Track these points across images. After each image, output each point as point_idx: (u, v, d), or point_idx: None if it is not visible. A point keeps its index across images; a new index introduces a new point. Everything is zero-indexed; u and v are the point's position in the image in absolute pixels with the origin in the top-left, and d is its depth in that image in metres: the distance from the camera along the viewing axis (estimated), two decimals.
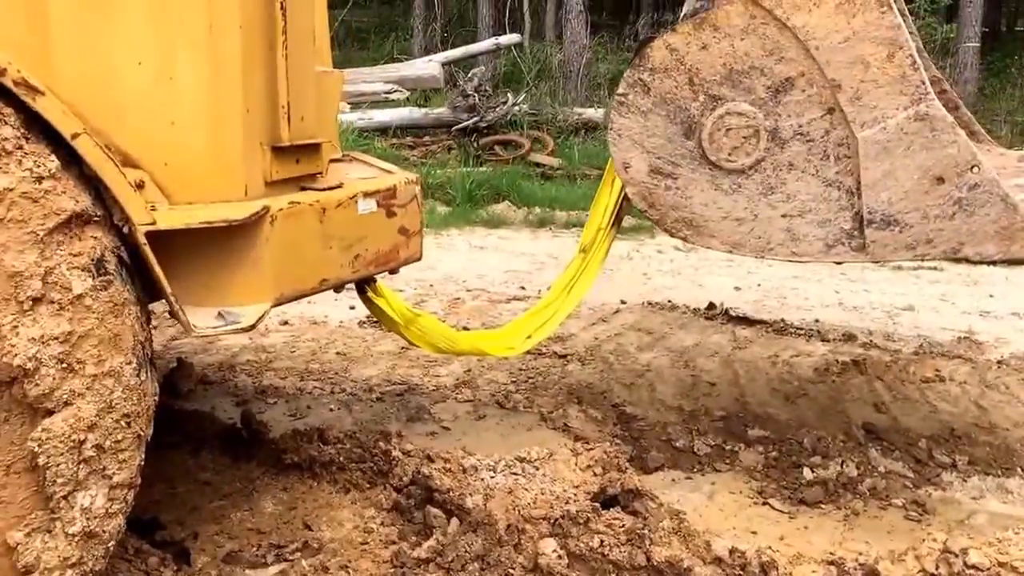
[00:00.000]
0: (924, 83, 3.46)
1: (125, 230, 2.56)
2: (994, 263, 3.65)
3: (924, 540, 3.12)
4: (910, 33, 3.69)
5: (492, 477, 3.71)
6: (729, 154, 3.67)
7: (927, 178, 3.51)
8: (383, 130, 14.26)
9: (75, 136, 2.43)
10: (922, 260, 3.74)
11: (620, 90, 3.73)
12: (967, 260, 3.62)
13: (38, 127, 2.39)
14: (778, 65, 3.56)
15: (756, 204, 3.71)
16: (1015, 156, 4.46)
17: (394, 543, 3.46)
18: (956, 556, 2.95)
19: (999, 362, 5.74)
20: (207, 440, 4.21)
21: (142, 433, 2.57)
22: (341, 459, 3.92)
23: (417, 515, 3.59)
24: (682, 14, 3.73)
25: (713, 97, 3.65)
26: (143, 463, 2.61)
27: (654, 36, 3.77)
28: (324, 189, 3.18)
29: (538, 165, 13.38)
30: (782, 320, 6.66)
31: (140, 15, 2.70)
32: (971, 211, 3.50)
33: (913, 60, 3.46)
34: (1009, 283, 7.71)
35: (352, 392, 5.17)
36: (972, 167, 3.47)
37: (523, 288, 7.72)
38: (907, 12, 4.24)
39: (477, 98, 14.26)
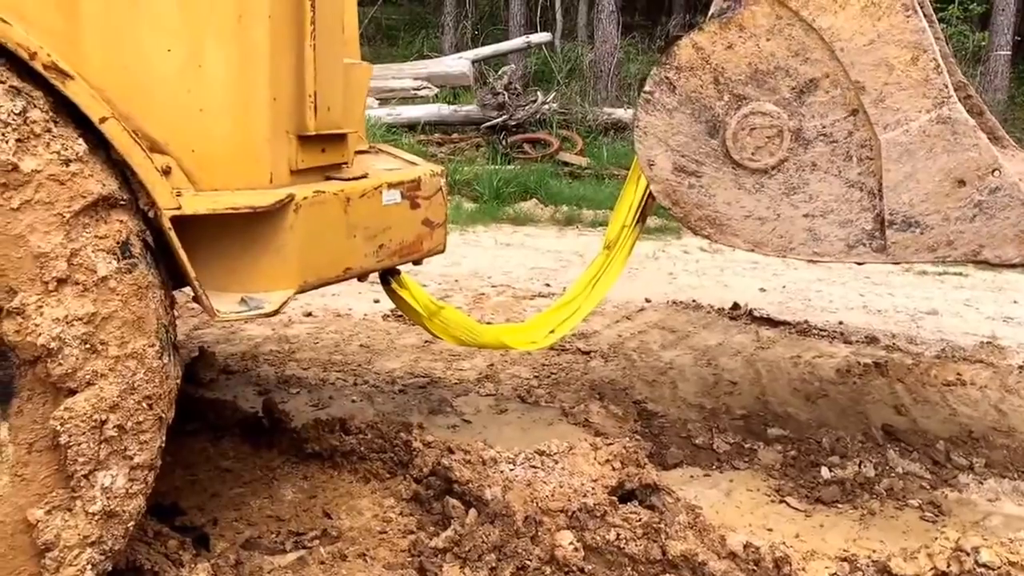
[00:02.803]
0: (947, 87, 3.47)
1: (151, 214, 2.59)
2: (1014, 266, 3.64)
3: (937, 539, 3.13)
4: (936, 38, 3.69)
5: (511, 469, 3.73)
6: (753, 153, 3.69)
7: (948, 181, 3.51)
8: (412, 126, 14.32)
9: (103, 120, 2.46)
10: (942, 262, 3.74)
11: (646, 88, 3.75)
12: (987, 263, 3.62)
13: (67, 111, 2.43)
14: (803, 66, 3.57)
15: (779, 204, 3.72)
16: None
17: (412, 533, 3.49)
18: (967, 554, 2.96)
19: (1021, 367, 5.71)
20: (228, 428, 4.26)
21: (163, 415, 2.60)
22: (362, 449, 3.95)
23: (436, 506, 3.62)
24: (709, 13, 3.73)
25: (738, 96, 3.66)
26: (164, 445, 2.64)
27: (680, 36, 3.79)
28: (349, 179, 3.21)
29: (566, 164, 13.40)
30: (806, 321, 6.65)
31: (171, 2, 2.73)
32: (991, 214, 3.50)
33: (937, 64, 3.46)
34: None
35: (375, 384, 5.20)
36: (993, 170, 3.47)
37: (548, 285, 7.74)
38: (934, 17, 4.23)
39: (507, 96, 14.29)
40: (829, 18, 3.52)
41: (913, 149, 3.53)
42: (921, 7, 3.64)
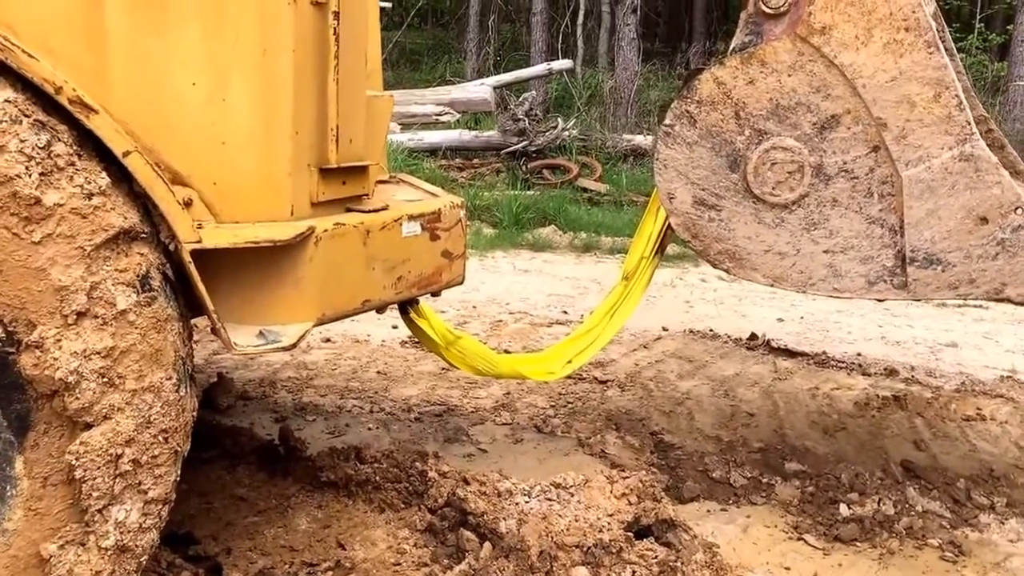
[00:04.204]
0: (970, 123, 3.46)
1: (171, 247, 2.60)
2: None
3: None
4: (957, 72, 3.68)
5: (527, 502, 3.71)
6: (773, 188, 3.68)
7: (971, 218, 3.50)
8: (433, 151, 14.37)
9: (126, 154, 2.48)
10: (964, 300, 3.72)
11: (667, 121, 3.76)
12: (1010, 301, 3.60)
13: (91, 144, 2.44)
14: (824, 102, 3.57)
15: (799, 239, 3.72)
16: None
17: (426, 565, 3.46)
18: None
19: None
20: (244, 455, 4.25)
21: (179, 449, 2.60)
22: (377, 478, 3.93)
23: (450, 537, 3.60)
24: (730, 48, 3.74)
25: (759, 131, 3.66)
26: (179, 478, 2.64)
27: (702, 68, 3.80)
28: (369, 211, 3.22)
29: (585, 190, 13.41)
30: (824, 352, 6.62)
31: (196, 37, 2.75)
32: (1014, 252, 3.48)
33: (959, 101, 3.46)
34: None
35: (391, 412, 5.20)
36: (1016, 208, 3.46)
37: (566, 312, 7.73)
38: (955, 51, 4.22)
39: (527, 122, 14.32)
40: (851, 54, 3.53)
41: (935, 186, 3.52)
42: (942, 41, 3.64)
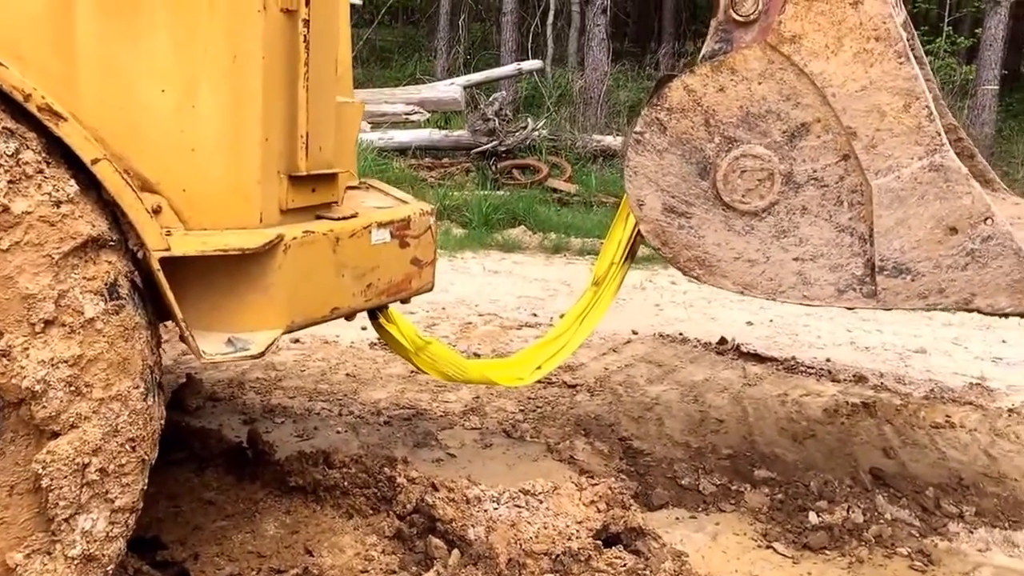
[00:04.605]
0: (939, 134, 3.48)
1: (140, 255, 2.58)
2: (1007, 315, 3.64)
3: None
4: (927, 81, 3.71)
5: (495, 509, 3.70)
6: (743, 196, 3.69)
7: (940, 228, 3.52)
8: (402, 150, 14.33)
9: (95, 162, 2.45)
10: (933, 309, 3.74)
11: (637, 128, 3.76)
12: (979, 311, 3.62)
13: (59, 151, 2.42)
14: (794, 110, 3.59)
15: (768, 247, 3.73)
16: None
17: (394, 572, 3.45)
18: None
19: (1010, 410, 5.70)
20: (213, 458, 4.22)
21: (147, 457, 2.58)
22: (345, 484, 3.92)
23: (419, 544, 3.59)
24: (701, 55, 3.75)
25: (729, 139, 3.67)
26: (146, 486, 2.62)
27: (672, 75, 3.81)
28: (339, 219, 3.20)
29: (555, 191, 13.42)
30: (793, 358, 6.65)
31: (166, 44, 2.72)
32: (984, 263, 3.51)
33: (929, 111, 3.48)
34: (1023, 329, 7.69)
35: (360, 415, 5.18)
36: (985, 219, 3.49)
37: (535, 315, 7.73)
38: (924, 59, 4.26)
39: (497, 122, 14.32)
40: (821, 63, 3.54)
41: (905, 196, 3.54)
42: (912, 49, 3.66)
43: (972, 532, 4.13)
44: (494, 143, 14.19)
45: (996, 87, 16.91)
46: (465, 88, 16.55)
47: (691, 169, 3.74)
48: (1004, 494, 4.47)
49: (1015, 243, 3.50)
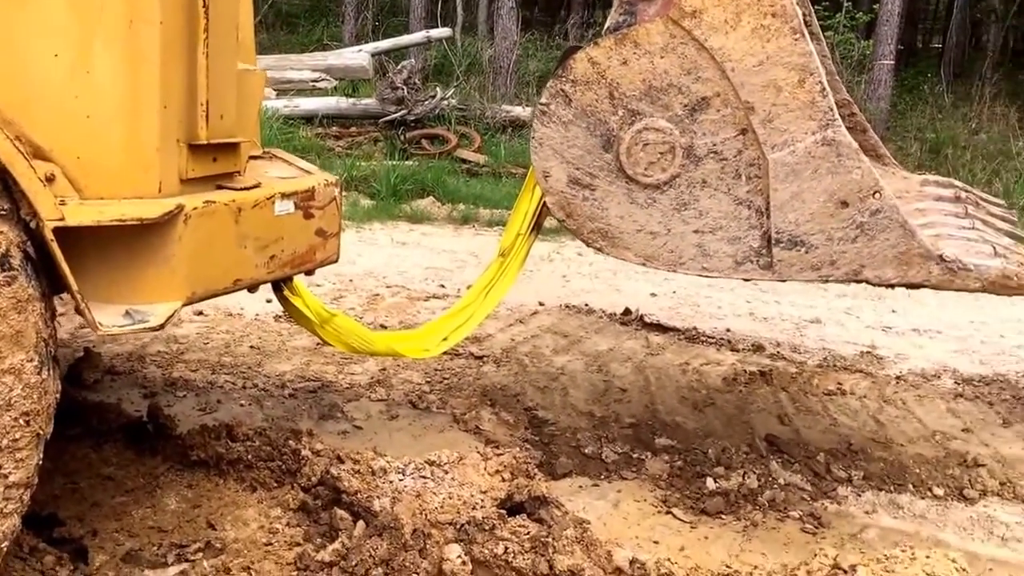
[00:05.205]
0: (832, 109, 3.57)
1: (32, 225, 2.53)
2: (892, 286, 3.76)
3: (816, 555, 3.20)
4: (823, 56, 3.79)
5: (401, 480, 3.71)
6: (645, 169, 3.74)
7: (832, 201, 3.61)
8: (309, 119, 14.12)
9: None
10: (826, 281, 3.84)
11: (543, 100, 3.78)
12: (867, 282, 3.73)
13: None
14: (695, 84, 3.64)
15: (670, 219, 3.79)
16: (918, 180, 4.60)
17: (299, 545, 3.45)
18: (845, 572, 3.04)
19: (897, 377, 5.90)
20: (112, 433, 4.15)
21: (41, 432, 2.54)
22: (249, 457, 3.90)
23: (324, 516, 3.59)
24: (605, 27, 3.78)
25: (632, 112, 3.71)
26: (41, 462, 2.58)
27: (577, 47, 3.83)
28: (241, 189, 3.17)
29: (464, 161, 13.37)
30: (694, 328, 6.77)
31: (59, 6, 2.67)
32: (872, 235, 3.61)
33: (823, 87, 3.56)
34: (911, 300, 7.89)
35: (264, 387, 5.14)
36: (874, 193, 3.59)
37: (443, 286, 7.73)
38: (820, 35, 4.34)
39: (406, 91, 14.18)
40: (720, 38, 3.59)
41: (799, 169, 3.62)
42: (808, 25, 3.74)
43: (860, 495, 4.28)
44: (403, 112, 14.07)
45: (892, 62, 17.23)
46: (373, 55, 16.37)
47: (595, 141, 3.78)
48: (890, 459, 4.62)
49: (901, 216, 3.61)
